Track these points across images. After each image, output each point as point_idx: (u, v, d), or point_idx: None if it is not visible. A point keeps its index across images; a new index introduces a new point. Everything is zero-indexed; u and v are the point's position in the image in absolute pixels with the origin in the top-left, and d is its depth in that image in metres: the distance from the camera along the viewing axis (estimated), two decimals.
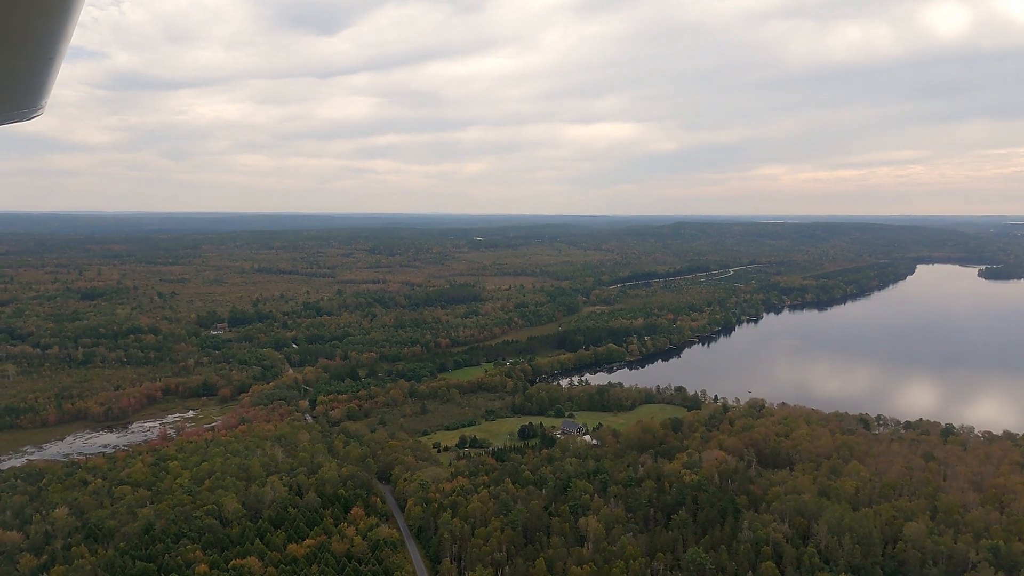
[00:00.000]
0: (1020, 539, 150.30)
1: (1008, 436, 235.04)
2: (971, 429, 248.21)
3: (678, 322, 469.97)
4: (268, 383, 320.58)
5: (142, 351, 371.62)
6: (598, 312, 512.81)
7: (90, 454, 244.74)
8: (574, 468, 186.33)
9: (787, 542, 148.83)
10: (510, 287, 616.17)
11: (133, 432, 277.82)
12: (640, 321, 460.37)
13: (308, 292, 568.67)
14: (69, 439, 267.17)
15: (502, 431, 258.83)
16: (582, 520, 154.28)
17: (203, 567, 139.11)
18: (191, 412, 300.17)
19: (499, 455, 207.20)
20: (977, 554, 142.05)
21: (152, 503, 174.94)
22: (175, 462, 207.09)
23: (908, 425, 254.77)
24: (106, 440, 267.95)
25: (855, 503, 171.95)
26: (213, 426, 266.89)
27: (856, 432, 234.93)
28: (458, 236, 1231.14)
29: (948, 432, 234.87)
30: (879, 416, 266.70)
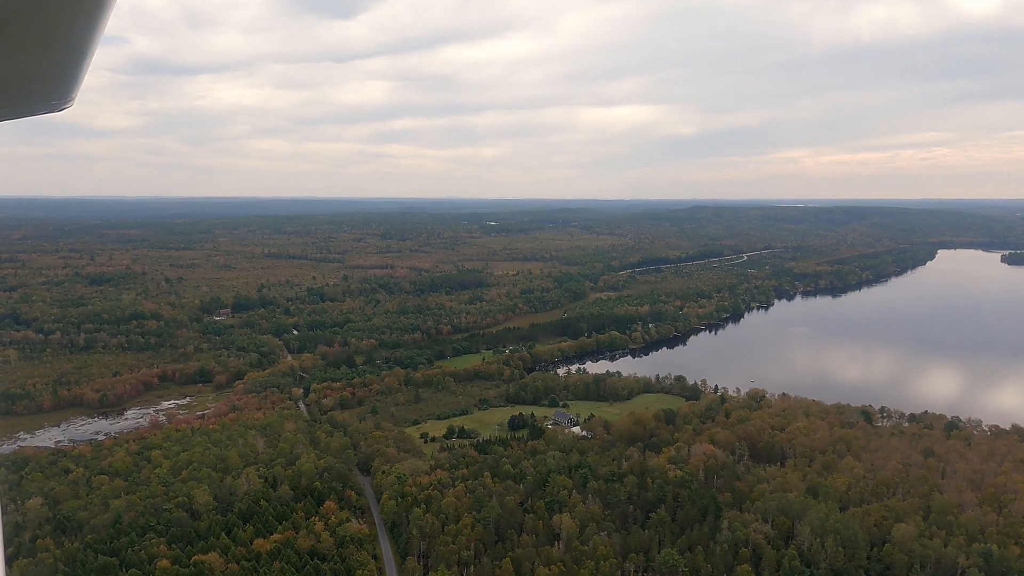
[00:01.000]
0: (1016, 542, 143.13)
1: (1016, 431, 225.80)
2: (978, 422, 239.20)
3: (684, 309, 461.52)
4: (263, 370, 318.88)
5: (143, 337, 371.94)
6: (604, 298, 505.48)
7: (80, 441, 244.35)
8: (556, 462, 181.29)
9: (768, 543, 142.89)
10: (517, 273, 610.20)
11: (127, 419, 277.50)
12: (646, 308, 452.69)
13: (314, 278, 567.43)
14: (63, 426, 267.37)
15: (493, 421, 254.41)
16: (556, 518, 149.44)
17: (165, 562, 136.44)
18: (186, 399, 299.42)
19: (482, 447, 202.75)
20: (967, 559, 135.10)
21: (127, 494, 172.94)
22: (158, 451, 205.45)
23: (912, 418, 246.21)
24: (99, 427, 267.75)
25: (845, 502, 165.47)
26: (203, 414, 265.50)
27: (856, 425, 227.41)
28: (471, 221, 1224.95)
29: (952, 426, 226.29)
30: (883, 408, 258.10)
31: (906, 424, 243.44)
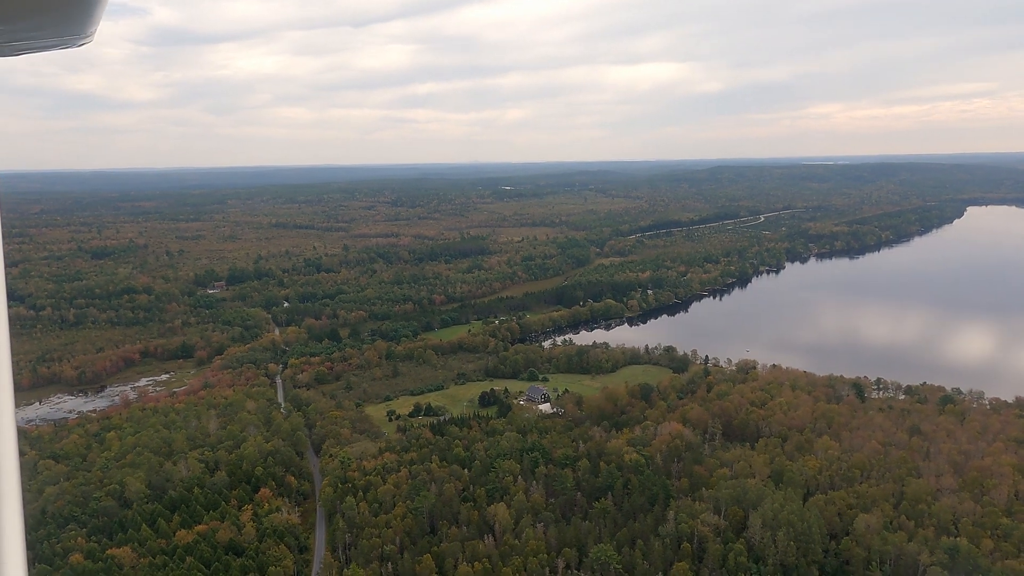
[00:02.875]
0: (992, 534, 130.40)
1: (1019, 403, 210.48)
2: (980, 395, 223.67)
3: (688, 274, 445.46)
4: (245, 345, 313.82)
5: (133, 312, 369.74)
6: (607, 265, 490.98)
7: (52, 420, 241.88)
8: (509, 444, 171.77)
9: (717, 536, 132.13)
10: (522, 239, 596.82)
11: (103, 397, 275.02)
12: (647, 274, 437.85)
13: (315, 248, 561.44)
14: (36, 405, 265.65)
15: (467, 396, 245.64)
16: (491, 508, 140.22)
17: (78, 557, 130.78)
18: (165, 375, 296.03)
19: (438, 428, 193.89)
20: (931, 555, 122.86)
21: (67, 480, 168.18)
22: (114, 433, 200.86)
23: (909, 391, 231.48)
24: (73, 405, 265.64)
25: (813, 487, 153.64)
26: (175, 391, 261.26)
27: (843, 400, 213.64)
28: (488, 186, 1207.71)
29: (948, 400, 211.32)
30: (879, 380, 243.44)
31: (902, 397, 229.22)
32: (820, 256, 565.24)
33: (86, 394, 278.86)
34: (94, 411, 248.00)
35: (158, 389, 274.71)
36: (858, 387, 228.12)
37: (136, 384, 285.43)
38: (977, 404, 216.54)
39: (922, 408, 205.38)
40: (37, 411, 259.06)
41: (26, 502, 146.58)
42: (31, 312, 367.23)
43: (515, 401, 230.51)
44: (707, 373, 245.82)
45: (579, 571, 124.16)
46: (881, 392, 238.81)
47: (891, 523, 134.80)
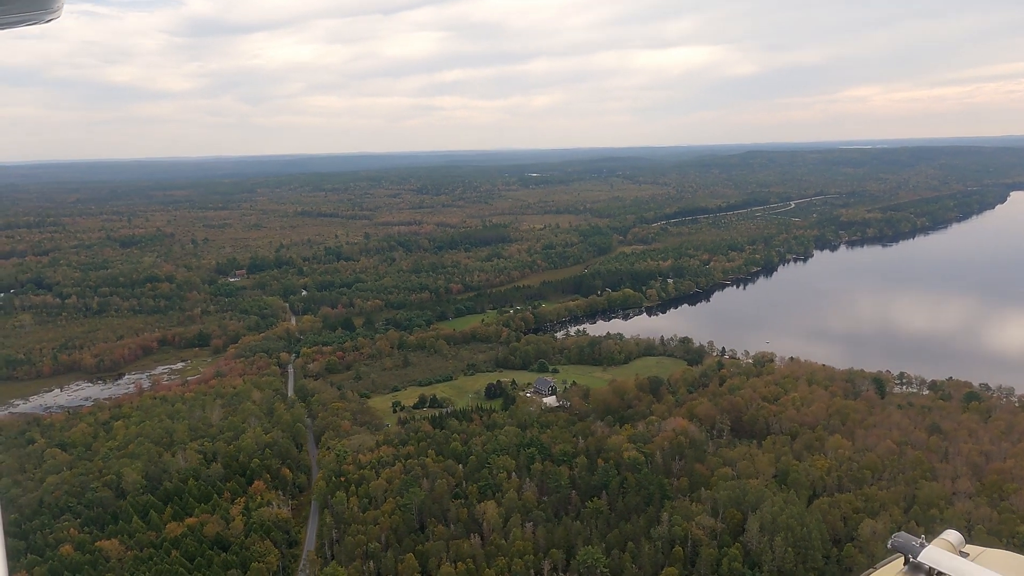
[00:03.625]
0: (1009, 541, 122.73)
1: None
2: (1009, 391, 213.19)
3: (711, 263, 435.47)
4: (260, 334, 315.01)
5: (155, 300, 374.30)
6: (629, 253, 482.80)
7: (68, 408, 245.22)
8: (508, 439, 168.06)
9: (713, 539, 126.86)
10: (544, 227, 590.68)
11: (119, 384, 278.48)
12: (668, 262, 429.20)
13: (337, 236, 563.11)
14: (55, 391, 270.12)
15: (474, 388, 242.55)
16: (480, 506, 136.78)
17: (68, 548, 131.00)
18: (181, 364, 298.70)
19: (438, 421, 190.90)
20: None
21: (69, 469, 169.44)
22: (121, 422, 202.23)
23: (933, 386, 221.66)
24: (91, 392, 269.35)
25: (820, 488, 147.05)
26: (187, 380, 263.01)
27: (861, 395, 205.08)
28: (516, 172, 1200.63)
29: (972, 397, 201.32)
30: (901, 374, 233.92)
31: (925, 392, 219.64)
32: (851, 244, 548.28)
33: (104, 382, 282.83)
34: (108, 399, 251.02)
35: (172, 377, 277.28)
36: (878, 382, 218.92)
37: (152, 372, 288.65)
38: (1005, 401, 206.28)
39: (944, 405, 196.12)
40: (56, 398, 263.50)
41: (26, 491, 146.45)
42: (56, 300, 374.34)
43: (521, 394, 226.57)
44: (720, 366, 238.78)
45: (565, 574, 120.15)
46: (904, 387, 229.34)
47: (899, 529, 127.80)
